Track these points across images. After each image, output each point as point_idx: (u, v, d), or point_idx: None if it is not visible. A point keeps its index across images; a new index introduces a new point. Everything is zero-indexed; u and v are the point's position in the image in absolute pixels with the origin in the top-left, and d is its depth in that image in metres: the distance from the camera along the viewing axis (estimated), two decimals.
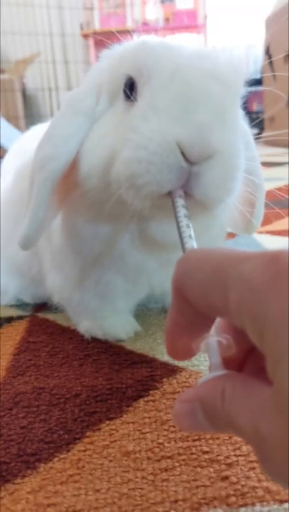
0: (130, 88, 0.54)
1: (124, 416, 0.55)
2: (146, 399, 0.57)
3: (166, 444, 0.49)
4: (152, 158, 0.47)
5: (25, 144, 0.95)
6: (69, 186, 0.60)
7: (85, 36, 5.00)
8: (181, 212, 0.45)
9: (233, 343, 0.34)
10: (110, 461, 0.48)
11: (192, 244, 0.42)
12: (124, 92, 0.55)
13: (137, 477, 0.45)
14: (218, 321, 0.35)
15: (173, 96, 0.49)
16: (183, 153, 0.47)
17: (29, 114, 4.52)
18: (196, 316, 0.34)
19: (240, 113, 0.62)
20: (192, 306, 0.33)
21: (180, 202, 0.46)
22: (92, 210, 0.61)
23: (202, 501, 0.42)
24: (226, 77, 0.50)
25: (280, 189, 0.71)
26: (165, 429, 0.52)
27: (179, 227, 0.43)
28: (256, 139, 0.67)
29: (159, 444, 0.50)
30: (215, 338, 0.34)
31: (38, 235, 0.62)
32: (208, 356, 0.34)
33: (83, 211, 0.62)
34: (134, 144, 0.49)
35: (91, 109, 0.59)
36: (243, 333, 0.30)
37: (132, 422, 0.53)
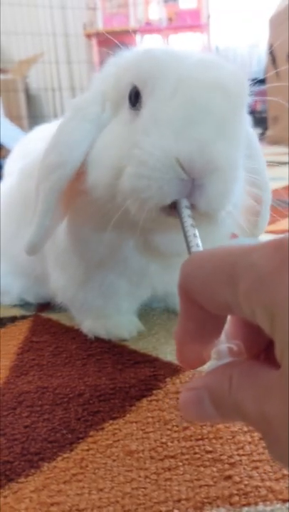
0: (135, 96, 0.54)
1: (128, 415, 0.55)
2: (149, 398, 0.58)
3: (170, 444, 0.50)
4: (152, 173, 0.48)
5: (29, 144, 0.96)
6: (75, 193, 0.61)
7: (88, 36, 5.00)
8: (188, 222, 0.45)
9: (243, 348, 0.34)
10: (113, 460, 0.48)
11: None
12: (130, 100, 0.55)
13: (140, 476, 0.46)
14: (227, 327, 0.35)
15: (175, 110, 0.49)
16: (183, 168, 0.47)
17: (32, 114, 4.54)
18: (206, 320, 0.34)
19: (246, 120, 0.62)
20: (201, 308, 0.33)
21: (186, 212, 0.47)
22: (98, 218, 0.61)
23: (205, 500, 0.42)
24: (229, 88, 0.50)
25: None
26: (168, 429, 0.52)
27: (186, 237, 0.43)
28: (260, 138, 0.67)
29: (162, 443, 0.50)
30: (225, 345, 0.34)
31: (43, 242, 0.63)
32: (219, 363, 0.34)
33: (88, 218, 0.63)
34: (136, 160, 0.50)
35: (97, 116, 0.59)
36: (255, 336, 0.30)
37: (135, 422, 0.54)
